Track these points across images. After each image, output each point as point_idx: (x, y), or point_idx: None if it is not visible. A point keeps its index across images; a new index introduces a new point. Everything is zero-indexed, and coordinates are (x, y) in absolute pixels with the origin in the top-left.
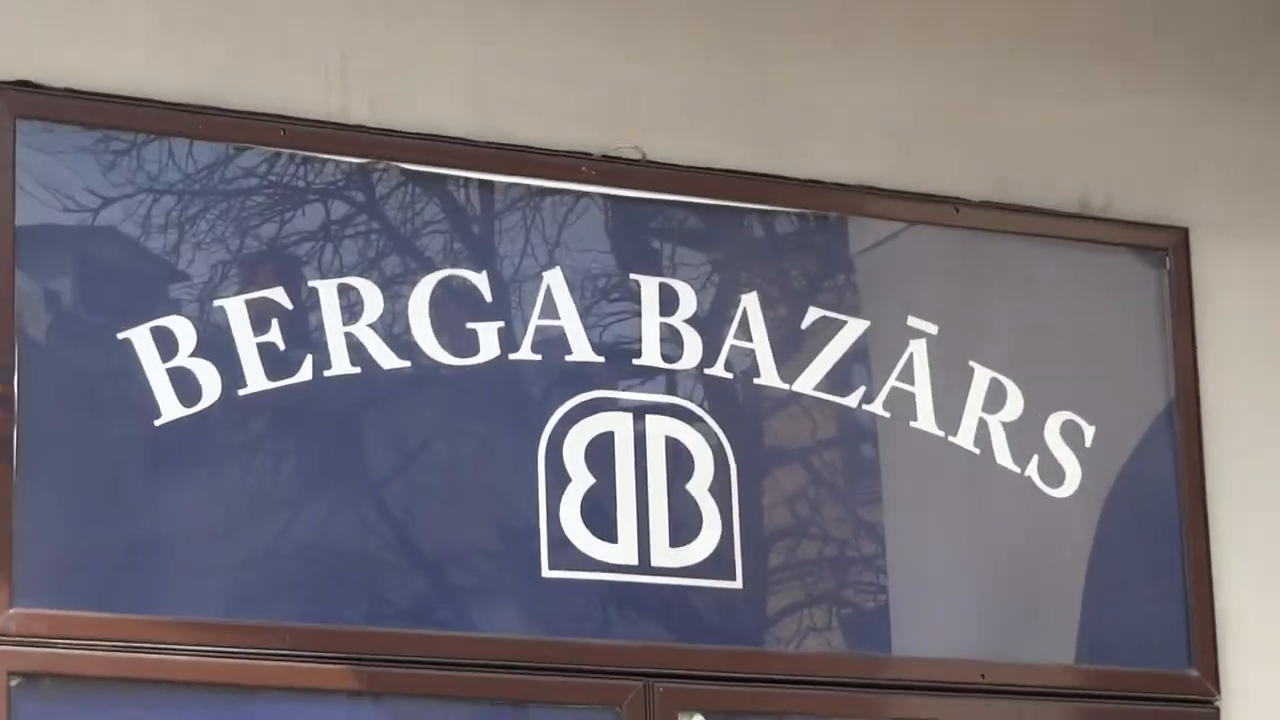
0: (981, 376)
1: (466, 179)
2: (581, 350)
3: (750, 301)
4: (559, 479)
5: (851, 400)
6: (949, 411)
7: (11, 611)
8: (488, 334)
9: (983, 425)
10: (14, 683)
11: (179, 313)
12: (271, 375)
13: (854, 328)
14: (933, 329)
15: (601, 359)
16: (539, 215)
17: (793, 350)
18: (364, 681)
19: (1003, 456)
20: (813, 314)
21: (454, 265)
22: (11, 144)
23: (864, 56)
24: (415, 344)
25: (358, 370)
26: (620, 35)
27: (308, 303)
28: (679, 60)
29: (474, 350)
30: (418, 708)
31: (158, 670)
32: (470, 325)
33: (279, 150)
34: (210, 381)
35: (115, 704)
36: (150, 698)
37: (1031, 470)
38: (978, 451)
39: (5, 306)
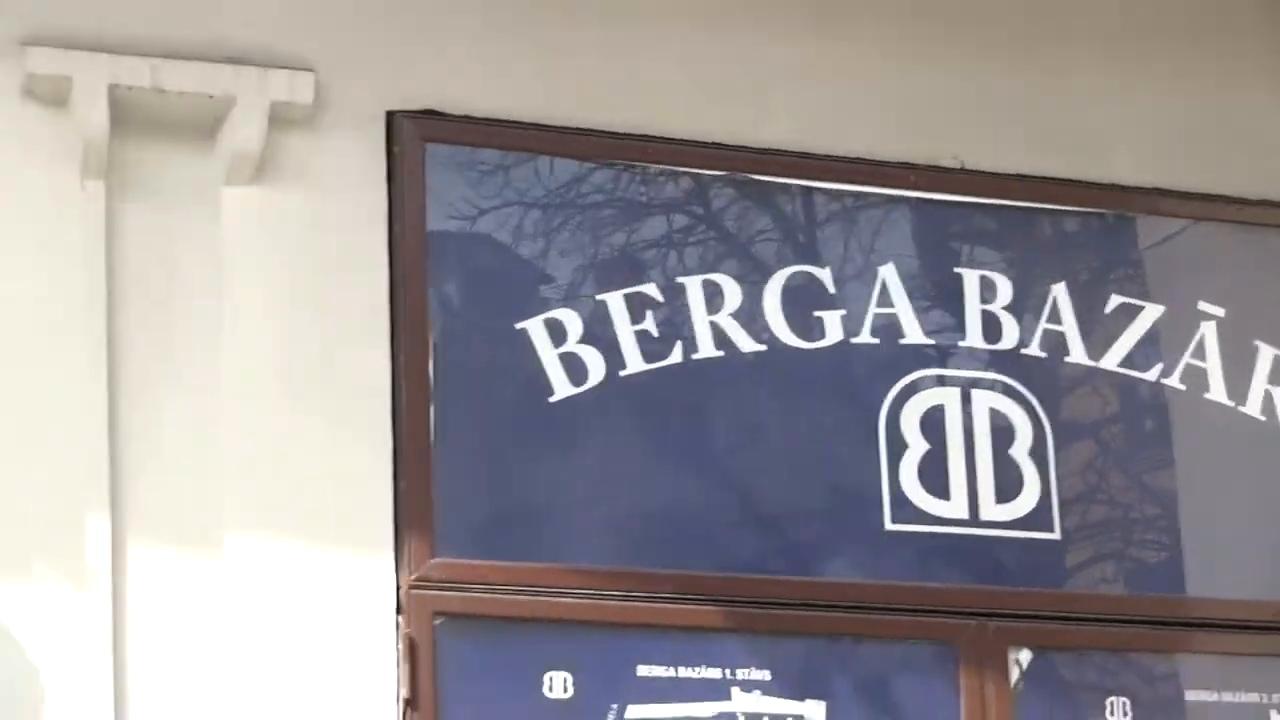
0: (1266, 353)
1: (800, 187)
2: (914, 334)
3: (1059, 291)
4: (897, 446)
5: (1151, 375)
6: (1238, 384)
7: (434, 561)
8: (832, 321)
9: (1268, 396)
10: (438, 621)
11: (566, 306)
12: (648, 359)
13: (1150, 312)
14: (1220, 312)
15: (932, 341)
16: (870, 218)
17: (1097, 332)
18: (732, 620)
19: None
20: (1114, 301)
21: (799, 262)
22: (421, 164)
23: (1146, 72)
24: (769, 330)
25: (721, 353)
26: (931, 54)
27: (676, 296)
28: (985, 73)
29: (820, 335)
30: (782, 644)
31: (555, 611)
32: (816, 314)
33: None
34: (595, 364)
35: (520, 638)
36: (549, 634)
37: None
38: (1264, 419)
39: (420, 302)
